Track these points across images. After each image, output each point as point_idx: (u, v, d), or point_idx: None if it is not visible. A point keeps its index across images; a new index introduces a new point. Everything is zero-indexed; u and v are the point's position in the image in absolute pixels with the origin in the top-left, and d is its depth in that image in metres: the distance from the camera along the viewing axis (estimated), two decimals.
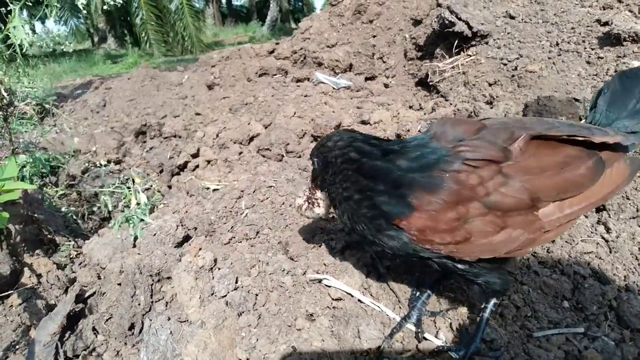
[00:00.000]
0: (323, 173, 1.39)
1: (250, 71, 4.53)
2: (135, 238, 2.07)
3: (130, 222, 2.25)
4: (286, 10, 22.12)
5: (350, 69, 4.18)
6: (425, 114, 3.14)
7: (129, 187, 2.86)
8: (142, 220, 2.24)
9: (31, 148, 3.15)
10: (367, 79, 4.15)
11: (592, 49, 2.92)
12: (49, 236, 2.19)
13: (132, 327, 1.61)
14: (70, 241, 2.26)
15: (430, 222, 1.13)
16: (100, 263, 1.99)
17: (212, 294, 1.58)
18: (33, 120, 4.20)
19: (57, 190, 2.81)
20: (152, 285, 1.72)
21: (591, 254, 1.66)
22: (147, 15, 13.37)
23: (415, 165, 1.18)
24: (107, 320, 1.66)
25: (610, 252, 1.66)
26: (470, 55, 3.47)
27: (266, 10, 19.37)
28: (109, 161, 3.19)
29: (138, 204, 2.64)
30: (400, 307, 1.49)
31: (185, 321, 1.52)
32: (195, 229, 2.10)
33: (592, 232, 1.76)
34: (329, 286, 1.55)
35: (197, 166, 2.99)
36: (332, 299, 1.50)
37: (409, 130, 2.77)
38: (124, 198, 2.84)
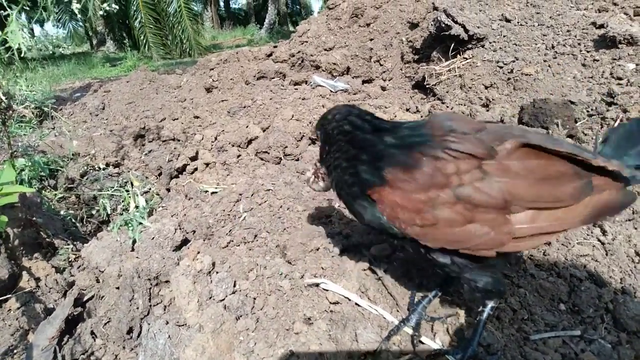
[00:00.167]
0: (324, 145, 1.47)
1: (249, 74, 4.54)
2: (134, 242, 2.07)
3: (129, 225, 2.26)
4: (284, 14, 22.18)
5: (348, 72, 4.20)
6: (422, 116, 3.16)
7: (127, 191, 2.87)
8: (140, 223, 2.25)
9: (30, 151, 3.15)
10: (364, 81, 4.16)
11: (588, 52, 2.94)
12: (47, 240, 2.19)
13: (130, 331, 1.61)
14: (68, 244, 2.26)
15: (398, 199, 1.17)
16: (99, 266, 1.99)
17: (210, 298, 1.59)
18: (32, 124, 4.21)
19: (55, 194, 2.81)
20: (150, 289, 1.73)
21: (587, 256, 1.67)
22: (146, 18, 13.38)
23: (398, 142, 1.24)
24: (105, 324, 1.67)
25: (607, 254, 1.67)
26: (467, 58, 3.49)
27: (264, 13, 19.42)
28: (107, 164, 3.19)
29: (137, 207, 2.64)
30: (398, 311, 1.50)
31: (183, 325, 1.53)
32: (194, 232, 2.10)
33: (588, 235, 1.77)
34: (327, 290, 1.55)
35: (196, 169, 2.99)
36: (330, 303, 1.51)
37: None
38: (122, 201, 2.84)
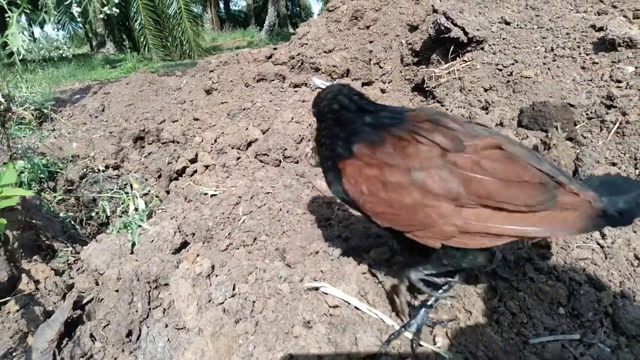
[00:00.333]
0: (317, 122, 1.54)
1: (248, 76, 4.55)
2: (133, 244, 2.07)
3: (128, 228, 2.26)
4: (284, 15, 22.22)
5: (348, 75, 4.20)
6: None
7: (127, 193, 2.87)
8: (139, 226, 2.25)
9: (29, 153, 3.15)
10: (364, 84, 4.17)
11: (587, 55, 2.94)
12: (46, 242, 2.19)
13: (129, 334, 1.61)
14: (68, 247, 2.26)
15: (357, 171, 1.23)
16: (98, 269, 1.99)
17: (210, 301, 1.59)
18: (31, 125, 4.21)
19: (55, 196, 2.81)
20: (149, 292, 1.72)
21: (587, 260, 1.67)
22: (146, 20, 13.42)
23: (374, 122, 1.30)
24: (104, 327, 1.66)
25: (606, 258, 1.67)
26: (466, 61, 3.50)
27: (264, 15, 19.45)
28: (107, 166, 3.20)
29: (136, 209, 2.64)
30: (397, 314, 1.50)
31: (182, 328, 1.53)
32: (193, 234, 2.10)
33: (587, 239, 1.77)
34: (326, 293, 1.55)
35: (195, 171, 2.99)
36: (329, 306, 1.51)
37: None
38: (122, 203, 2.84)
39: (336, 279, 1.63)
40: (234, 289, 1.63)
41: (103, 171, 3.11)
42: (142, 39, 13.82)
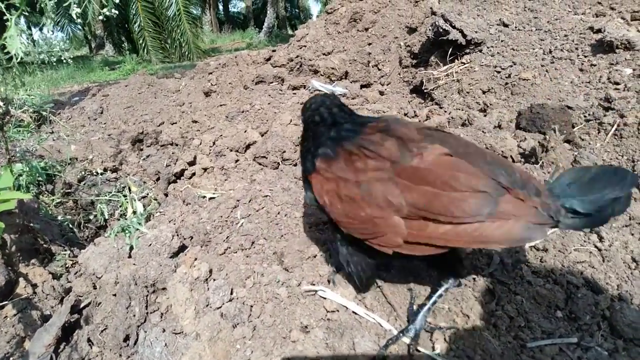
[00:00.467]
0: (303, 130, 1.61)
1: (247, 79, 4.55)
2: (131, 248, 2.07)
3: (126, 231, 2.25)
4: (283, 17, 22.24)
5: (346, 77, 4.21)
6: (420, 121, 3.16)
7: (125, 196, 2.87)
8: (137, 229, 2.24)
9: (28, 156, 3.15)
10: (362, 86, 4.17)
11: (585, 57, 2.95)
12: (44, 245, 2.18)
13: (127, 338, 1.61)
14: (66, 250, 2.25)
15: (319, 185, 1.33)
16: (96, 273, 1.98)
17: (207, 306, 1.58)
18: (30, 128, 4.21)
19: (53, 199, 2.81)
20: (147, 296, 1.72)
21: (584, 263, 1.66)
22: (145, 22, 13.42)
23: (335, 136, 1.38)
24: (102, 331, 1.66)
25: (603, 261, 1.67)
26: (464, 63, 3.50)
27: (263, 17, 19.48)
28: (105, 169, 3.19)
29: (134, 212, 2.64)
30: (396, 319, 1.50)
31: (180, 333, 1.52)
32: (191, 238, 2.10)
33: (585, 241, 1.77)
34: (324, 298, 1.55)
35: (194, 174, 2.99)
36: (327, 311, 1.51)
37: None
38: (120, 206, 2.84)
39: (338, 281, 1.63)
40: (231, 293, 1.63)
41: (101, 174, 3.11)
42: (141, 41, 13.82)
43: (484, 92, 3.20)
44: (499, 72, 3.23)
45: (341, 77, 4.18)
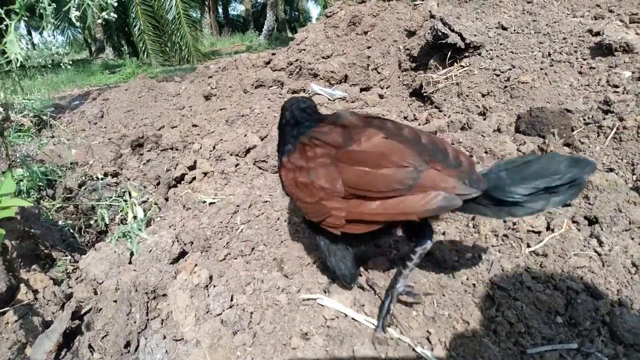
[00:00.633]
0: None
1: (247, 82, 4.56)
2: (132, 254, 2.08)
3: (127, 237, 2.26)
4: (282, 20, 22.26)
5: (346, 80, 4.22)
6: (419, 124, 3.17)
7: (125, 201, 2.87)
8: (138, 235, 2.25)
9: (28, 161, 3.15)
10: (362, 89, 4.18)
11: (584, 60, 2.95)
12: (45, 251, 2.19)
13: (127, 345, 1.61)
14: (66, 256, 2.25)
15: (285, 176, 1.47)
16: (97, 278, 1.98)
17: (208, 312, 1.59)
18: (30, 132, 4.22)
19: (54, 204, 2.81)
20: (147, 302, 1.72)
21: (584, 268, 1.66)
22: (145, 25, 13.46)
23: (295, 133, 1.51)
24: (103, 337, 1.66)
25: (603, 266, 1.67)
26: (464, 67, 3.51)
27: (263, 20, 19.51)
28: (106, 174, 3.20)
29: (135, 217, 2.65)
30: (396, 326, 1.50)
31: (180, 340, 1.53)
32: (192, 243, 2.10)
33: (584, 246, 1.77)
34: (323, 305, 1.55)
35: (194, 178, 3.00)
36: (327, 318, 1.51)
37: None
38: (120, 211, 2.84)
39: (333, 290, 1.63)
40: (231, 300, 1.63)
41: (102, 179, 3.12)
42: (141, 44, 13.86)
43: (483, 96, 3.21)
44: (498, 75, 3.23)
45: (341, 80, 4.19)
